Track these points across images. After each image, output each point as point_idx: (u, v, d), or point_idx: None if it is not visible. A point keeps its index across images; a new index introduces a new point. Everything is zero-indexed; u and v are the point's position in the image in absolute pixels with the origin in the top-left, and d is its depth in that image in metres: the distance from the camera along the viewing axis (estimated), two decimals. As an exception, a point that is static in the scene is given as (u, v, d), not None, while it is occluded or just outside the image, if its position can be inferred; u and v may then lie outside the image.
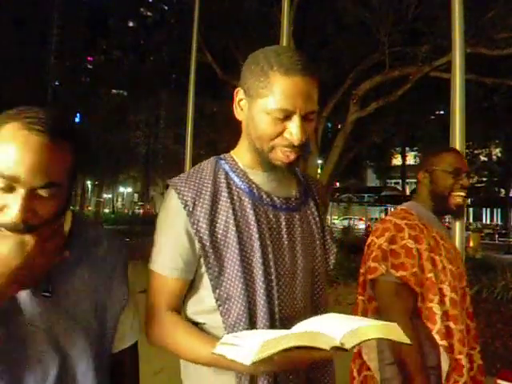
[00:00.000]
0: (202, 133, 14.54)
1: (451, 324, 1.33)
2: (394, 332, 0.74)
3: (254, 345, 0.67)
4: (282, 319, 0.90)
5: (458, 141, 5.26)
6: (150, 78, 13.24)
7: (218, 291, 0.89)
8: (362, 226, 25.10)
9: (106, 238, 0.87)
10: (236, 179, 0.95)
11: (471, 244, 11.00)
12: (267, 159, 0.92)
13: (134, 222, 22.41)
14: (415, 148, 20.63)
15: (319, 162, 12.57)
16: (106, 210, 37.56)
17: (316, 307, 0.98)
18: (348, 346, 0.69)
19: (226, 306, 0.88)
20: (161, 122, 28.92)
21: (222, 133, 16.57)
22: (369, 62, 9.81)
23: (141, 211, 37.10)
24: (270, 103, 0.87)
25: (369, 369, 1.43)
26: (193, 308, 0.95)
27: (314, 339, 0.68)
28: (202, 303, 0.93)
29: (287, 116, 0.87)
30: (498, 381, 2.30)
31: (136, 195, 41.61)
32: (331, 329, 0.72)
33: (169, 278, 0.92)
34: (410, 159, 31.48)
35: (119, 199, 44.85)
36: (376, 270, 1.35)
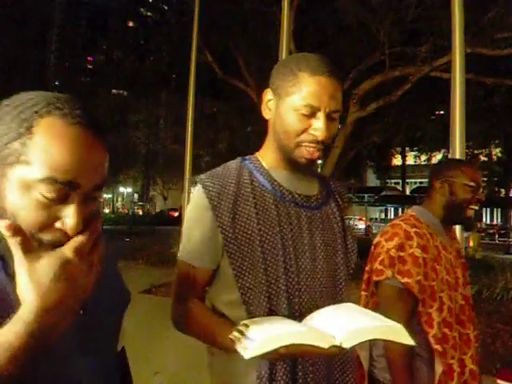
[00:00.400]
0: (202, 133, 14.54)
1: (447, 331, 1.38)
2: (399, 333, 0.75)
3: (254, 340, 0.70)
4: (301, 312, 0.94)
5: (457, 141, 5.26)
6: (150, 78, 13.22)
7: (240, 281, 0.94)
8: (362, 225, 25.09)
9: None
10: (259, 177, 1.02)
11: (471, 244, 11.00)
12: (292, 156, 0.98)
13: (134, 221, 22.41)
14: (415, 148, 20.62)
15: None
16: (106, 210, 37.58)
17: (337, 303, 1.00)
18: (346, 345, 0.70)
19: (249, 295, 0.94)
20: (161, 122, 28.93)
21: (222, 133, 16.59)
22: (369, 62, 9.80)
23: (139, 211, 37.08)
24: (297, 100, 0.94)
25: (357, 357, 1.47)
26: (218, 300, 1.01)
27: (314, 338, 0.70)
28: (227, 295, 0.98)
29: (313, 113, 0.94)
30: (498, 381, 2.30)
31: (136, 195, 41.62)
32: (335, 326, 0.73)
33: (195, 267, 0.98)
34: (410, 159, 31.48)
35: (119, 199, 44.88)
36: (382, 273, 1.40)
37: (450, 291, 1.42)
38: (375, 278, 1.43)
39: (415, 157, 21.76)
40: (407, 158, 31.40)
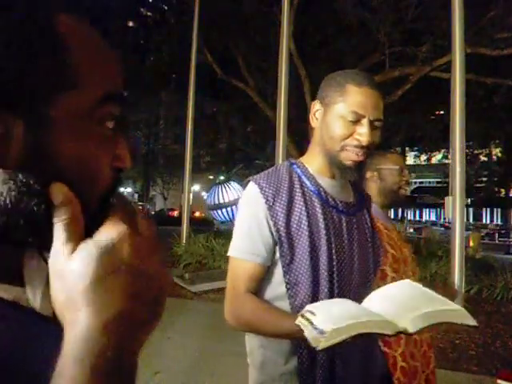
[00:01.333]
0: (201, 133, 14.53)
1: None
2: (462, 315, 0.76)
3: (325, 332, 0.73)
4: None
5: (457, 141, 5.26)
6: (150, 78, 13.22)
7: (288, 276, 1.03)
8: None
9: None
10: (307, 182, 1.10)
11: (471, 244, 10.99)
12: (337, 159, 1.07)
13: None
14: (415, 148, 20.60)
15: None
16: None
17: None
18: (411, 330, 0.72)
19: (294, 291, 1.02)
20: (161, 122, 28.93)
21: (222, 133, 16.59)
22: (369, 62, 9.81)
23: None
24: (343, 107, 1.04)
25: None
26: (266, 294, 1.07)
27: (380, 326, 0.73)
28: (275, 289, 1.05)
29: (358, 120, 1.04)
30: (498, 381, 2.30)
31: (136, 195, 41.64)
32: (398, 310, 0.75)
33: (250, 263, 1.04)
34: (410, 159, 31.50)
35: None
36: None
37: (394, 264, 1.53)
38: None
39: (415, 157, 21.73)
40: (407, 158, 31.41)
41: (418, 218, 38.06)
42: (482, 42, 8.16)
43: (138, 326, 0.36)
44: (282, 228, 1.03)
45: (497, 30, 8.17)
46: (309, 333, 0.77)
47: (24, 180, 0.36)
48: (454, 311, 0.76)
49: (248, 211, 1.07)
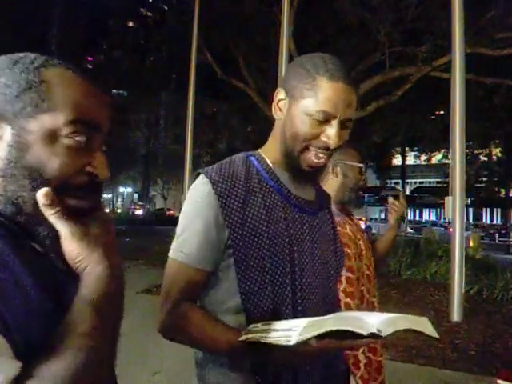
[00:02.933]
0: (201, 133, 14.54)
1: (348, 300, 1.44)
2: (426, 326, 0.76)
3: (297, 327, 0.68)
4: (304, 314, 0.90)
5: (457, 141, 5.26)
6: (150, 78, 13.24)
7: (243, 286, 0.88)
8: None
9: None
10: (266, 176, 0.97)
11: (471, 244, 11.00)
12: (296, 161, 0.94)
13: (134, 221, 22.39)
14: (415, 148, 20.63)
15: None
16: (107, 210, 37.49)
17: (330, 305, 1.01)
18: (384, 333, 0.69)
19: (252, 302, 0.88)
20: (161, 122, 28.93)
21: (222, 133, 16.60)
22: (369, 62, 9.81)
23: (139, 211, 37.05)
24: (312, 105, 0.89)
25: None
26: (215, 308, 0.92)
27: (354, 324, 0.69)
28: (226, 301, 0.91)
29: (327, 120, 0.89)
30: (498, 381, 2.30)
31: (136, 195, 41.62)
32: (367, 317, 0.73)
33: (190, 267, 0.89)
34: (410, 159, 31.48)
35: (119, 199, 44.88)
36: None
37: (348, 262, 1.46)
38: None
39: (415, 157, 21.74)
40: (407, 158, 31.40)
41: (418, 218, 38.09)
42: (481, 42, 8.17)
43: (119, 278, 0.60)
44: (236, 229, 0.88)
45: (497, 30, 8.18)
46: (275, 336, 0.70)
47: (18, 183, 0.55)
48: (420, 320, 0.77)
49: (195, 208, 0.91)
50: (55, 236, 0.56)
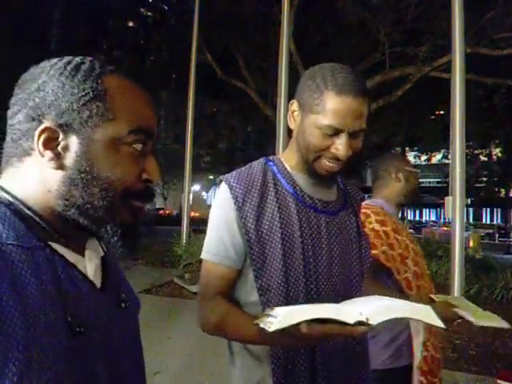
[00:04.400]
0: (201, 133, 14.54)
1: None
2: (428, 314, 0.73)
3: (278, 315, 0.69)
4: None
5: (457, 141, 5.26)
6: (150, 78, 13.23)
7: (259, 282, 0.96)
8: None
9: None
10: (283, 181, 1.03)
11: (471, 244, 11.00)
12: (311, 167, 1.00)
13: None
14: (415, 148, 20.61)
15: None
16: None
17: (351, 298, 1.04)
18: (373, 321, 0.67)
19: (267, 297, 0.95)
20: (161, 122, 28.94)
21: (222, 133, 16.60)
22: (369, 62, 9.81)
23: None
24: (321, 119, 0.94)
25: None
26: (240, 300, 1.01)
27: (339, 313, 0.68)
28: (248, 295, 0.99)
29: (335, 133, 0.94)
30: (498, 381, 2.30)
31: (136, 195, 41.63)
32: (361, 306, 0.71)
33: (221, 266, 0.98)
34: (410, 159, 31.49)
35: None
36: None
37: (416, 257, 1.60)
38: None
39: (415, 157, 21.71)
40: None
41: (418, 218, 38.07)
42: (482, 42, 8.17)
43: None
44: (251, 230, 0.96)
45: (497, 30, 8.18)
46: (264, 322, 0.73)
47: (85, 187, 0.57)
48: (420, 308, 0.73)
49: (218, 212, 1.01)
50: (121, 233, 0.59)
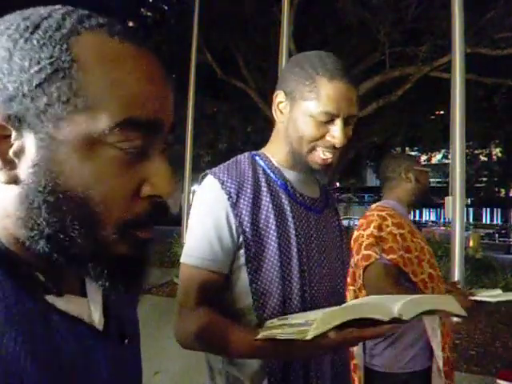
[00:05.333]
0: (201, 133, 14.53)
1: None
2: (451, 304, 0.72)
3: (312, 320, 0.64)
4: (312, 309, 0.91)
5: (457, 141, 5.26)
6: (150, 78, 13.24)
7: (254, 285, 0.88)
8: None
9: None
10: (272, 175, 0.97)
11: (471, 244, 11.00)
12: (304, 161, 0.94)
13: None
14: (415, 148, 20.61)
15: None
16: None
17: (338, 298, 1.01)
18: (406, 316, 0.64)
19: (262, 301, 0.88)
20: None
21: (222, 133, 16.59)
22: (369, 62, 9.81)
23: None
24: (314, 106, 0.90)
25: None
26: (227, 310, 0.91)
27: (373, 311, 0.65)
28: (239, 302, 0.91)
29: (330, 119, 0.90)
30: (498, 381, 2.31)
31: (136, 195, 41.63)
32: (388, 302, 0.69)
33: (204, 271, 0.88)
34: (410, 159, 31.38)
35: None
36: (370, 257, 1.50)
37: (431, 259, 1.60)
38: (364, 264, 1.51)
39: (415, 156, 21.74)
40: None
41: (418, 218, 38.08)
42: (482, 42, 8.17)
43: None
44: (247, 229, 0.88)
45: (497, 30, 8.17)
46: (286, 331, 0.68)
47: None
48: (444, 299, 0.74)
49: (205, 210, 0.91)
50: (113, 273, 0.40)
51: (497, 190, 27.36)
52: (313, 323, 0.63)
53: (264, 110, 10.76)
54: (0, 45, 0.36)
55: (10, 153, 0.37)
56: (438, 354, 1.50)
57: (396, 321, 0.64)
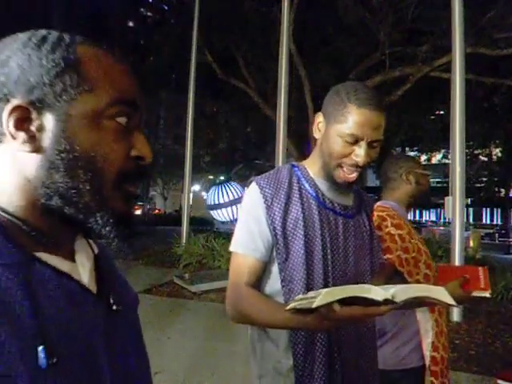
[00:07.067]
0: (201, 133, 14.54)
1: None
2: (443, 294, 0.81)
3: (319, 293, 0.78)
4: None
5: (457, 141, 5.26)
6: (150, 78, 13.23)
7: (283, 273, 1.08)
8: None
9: None
10: (306, 185, 1.16)
11: (471, 244, 10.99)
12: (331, 174, 1.12)
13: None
14: (415, 148, 20.62)
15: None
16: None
17: None
18: (398, 299, 0.75)
19: (289, 287, 1.07)
20: (161, 121, 28.93)
21: (221, 133, 16.60)
22: (369, 62, 9.81)
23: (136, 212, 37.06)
24: (343, 128, 1.07)
25: None
26: (265, 290, 1.12)
27: (368, 291, 0.76)
28: (272, 286, 1.11)
29: (356, 141, 1.06)
30: (498, 381, 2.31)
31: (136, 195, 41.48)
32: (386, 287, 0.79)
33: (250, 258, 1.09)
34: (410, 159, 31.32)
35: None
36: None
37: (428, 260, 1.62)
38: None
39: (415, 157, 21.72)
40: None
41: (418, 218, 38.08)
42: (481, 42, 8.17)
43: None
44: (278, 227, 1.08)
45: (497, 30, 8.17)
46: (301, 302, 0.82)
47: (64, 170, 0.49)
48: (436, 289, 0.81)
49: (248, 209, 1.13)
50: (114, 222, 0.52)
51: (497, 189, 27.35)
52: (320, 295, 0.77)
53: (264, 109, 10.77)
54: (19, 52, 0.50)
55: (33, 128, 0.49)
56: (427, 353, 1.56)
57: (388, 302, 0.75)
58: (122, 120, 0.53)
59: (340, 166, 1.10)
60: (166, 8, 15.57)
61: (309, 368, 1.04)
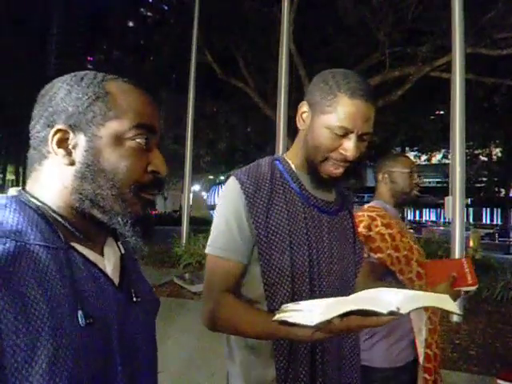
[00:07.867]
0: (201, 133, 14.53)
1: None
2: (447, 302, 0.77)
3: (317, 308, 0.72)
4: None
5: (457, 141, 5.26)
6: (150, 78, 13.22)
7: (266, 276, 0.98)
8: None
9: None
10: (289, 179, 1.06)
11: (471, 244, 10.99)
12: (316, 169, 1.02)
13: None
14: (415, 148, 20.62)
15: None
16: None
17: (347, 294, 1.05)
18: (404, 310, 0.70)
19: (272, 291, 0.97)
20: (161, 121, 28.94)
21: (222, 133, 16.59)
22: (369, 62, 9.81)
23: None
24: (332, 120, 0.97)
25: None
26: (246, 295, 1.02)
27: (373, 304, 0.71)
28: (253, 290, 1.01)
29: (345, 134, 0.97)
30: (498, 381, 2.31)
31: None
32: (387, 295, 0.74)
33: (227, 261, 0.99)
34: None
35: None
36: None
37: (420, 258, 1.63)
38: None
39: (415, 157, 21.68)
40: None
41: (418, 218, 38.10)
42: (481, 42, 8.17)
43: None
44: (261, 226, 0.98)
45: (497, 30, 8.17)
46: (299, 317, 0.75)
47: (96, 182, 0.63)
48: (440, 297, 0.78)
49: (227, 206, 1.02)
50: (132, 223, 0.64)
51: (497, 190, 27.35)
52: (319, 310, 0.71)
53: (264, 109, 10.77)
54: (63, 89, 0.65)
55: (70, 146, 0.63)
56: (421, 351, 1.57)
57: (393, 314, 0.70)
58: (142, 141, 0.65)
59: (326, 159, 1.00)
60: (165, 8, 15.58)
61: (291, 378, 0.96)
